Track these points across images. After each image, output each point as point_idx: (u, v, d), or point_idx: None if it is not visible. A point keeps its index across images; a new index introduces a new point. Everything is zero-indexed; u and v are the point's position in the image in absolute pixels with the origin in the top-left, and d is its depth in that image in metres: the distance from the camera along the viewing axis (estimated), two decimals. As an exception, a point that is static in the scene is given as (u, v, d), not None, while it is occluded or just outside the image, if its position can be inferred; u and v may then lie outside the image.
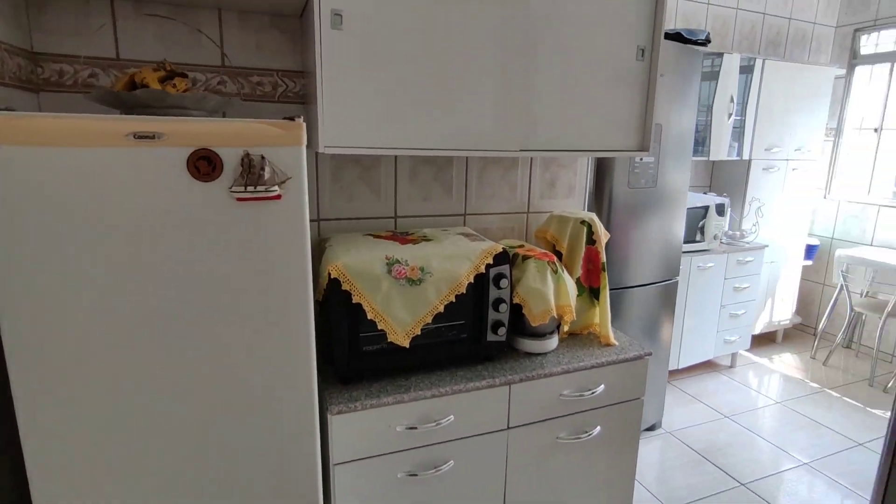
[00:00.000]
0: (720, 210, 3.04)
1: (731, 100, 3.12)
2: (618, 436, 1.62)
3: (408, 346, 1.35)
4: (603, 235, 1.73)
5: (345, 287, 1.27)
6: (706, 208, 2.99)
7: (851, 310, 3.45)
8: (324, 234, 1.64)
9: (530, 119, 1.47)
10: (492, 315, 1.46)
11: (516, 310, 1.53)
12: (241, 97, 1.50)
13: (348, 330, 1.32)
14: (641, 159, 2.22)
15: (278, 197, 0.94)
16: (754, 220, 3.42)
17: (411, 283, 1.34)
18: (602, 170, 2.19)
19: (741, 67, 3.13)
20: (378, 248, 1.38)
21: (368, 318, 1.30)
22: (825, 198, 3.95)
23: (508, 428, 1.45)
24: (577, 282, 1.71)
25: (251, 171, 0.87)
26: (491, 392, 1.41)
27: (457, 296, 1.39)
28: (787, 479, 2.31)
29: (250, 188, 0.89)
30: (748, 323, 3.37)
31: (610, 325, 1.68)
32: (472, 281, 1.40)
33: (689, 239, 2.95)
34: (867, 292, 3.50)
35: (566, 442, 1.54)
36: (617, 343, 1.66)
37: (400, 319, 1.33)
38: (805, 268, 3.85)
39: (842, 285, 3.46)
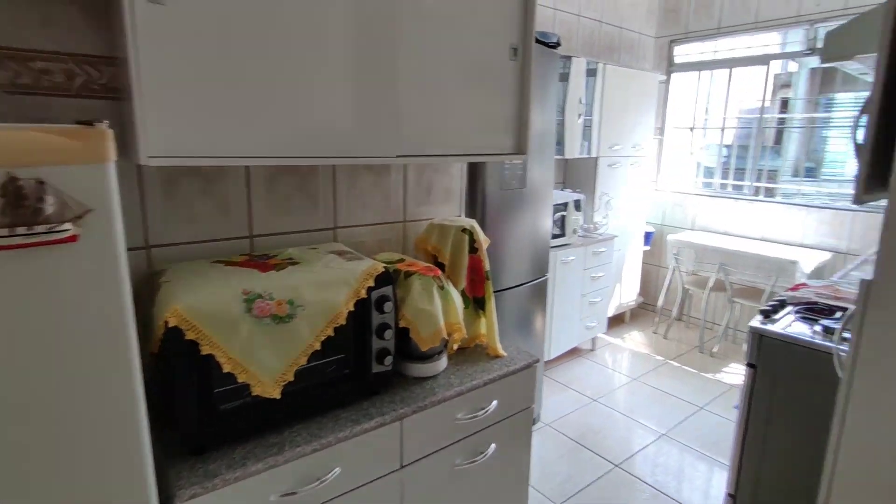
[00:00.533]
0: (577, 205, 3.21)
1: (580, 101, 3.32)
2: (512, 448, 1.56)
3: (279, 396, 1.12)
4: (484, 242, 1.65)
5: (190, 336, 1.00)
6: (566, 204, 3.14)
7: (682, 287, 3.95)
8: (157, 264, 1.29)
9: (402, 122, 1.32)
10: (376, 343, 1.29)
11: (402, 333, 1.38)
12: (13, 89, 1.10)
13: (198, 388, 1.04)
14: (512, 160, 2.20)
15: (73, 239, 0.65)
16: (605, 212, 3.71)
17: (278, 320, 1.10)
18: (474, 173, 2.14)
19: (587, 70, 3.33)
20: (232, 280, 1.12)
21: (225, 370, 1.04)
22: (655, 189, 4.45)
23: (402, 467, 1.30)
24: (462, 293, 1.61)
25: (20, 205, 0.58)
26: (381, 432, 1.24)
27: (335, 328, 1.19)
28: (651, 453, 2.51)
29: (21, 230, 0.59)
30: (604, 308, 3.65)
31: (497, 335, 1.62)
32: (353, 308, 1.21)
33: (552, 234, 3.07)
34: (693, 271, 4.01)
35: (463, 468, 1.43)
36: (505, 354, 1.59)
37: (267, 367, 1.09)
38: (644, 253, 4.31)
39: (674, 267, 3.93)
